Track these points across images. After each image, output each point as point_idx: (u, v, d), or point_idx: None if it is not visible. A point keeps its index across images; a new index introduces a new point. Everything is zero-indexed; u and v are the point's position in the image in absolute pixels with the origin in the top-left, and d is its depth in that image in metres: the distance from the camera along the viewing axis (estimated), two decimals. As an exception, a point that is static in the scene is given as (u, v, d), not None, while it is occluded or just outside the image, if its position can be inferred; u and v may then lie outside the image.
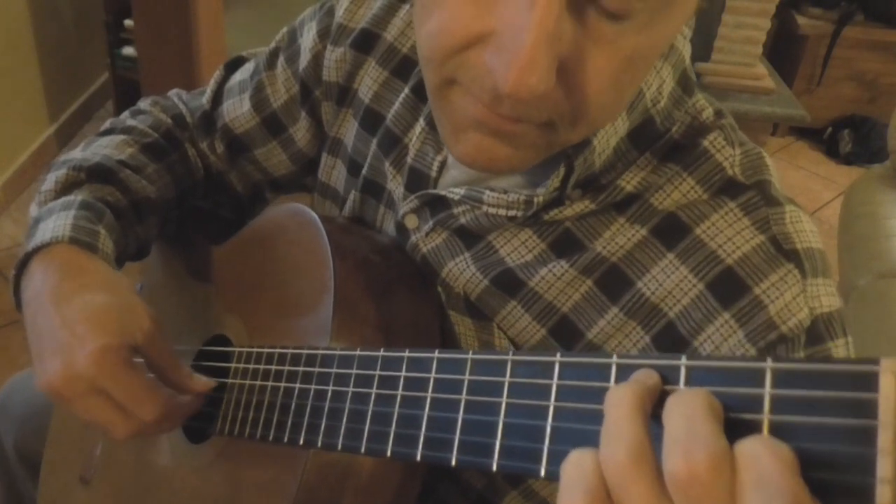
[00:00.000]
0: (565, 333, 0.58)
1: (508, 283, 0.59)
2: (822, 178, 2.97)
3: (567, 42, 0.43)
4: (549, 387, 0.39)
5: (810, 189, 2.87)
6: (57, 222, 0.63)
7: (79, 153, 0.74)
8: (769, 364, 0.32)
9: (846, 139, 3.06)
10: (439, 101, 0.50)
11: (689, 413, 0.31)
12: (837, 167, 3.05)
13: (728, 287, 0.53)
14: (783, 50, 3.03)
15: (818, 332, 0.52)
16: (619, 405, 0.33)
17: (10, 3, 2.19)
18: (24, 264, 0.63)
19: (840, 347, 0.53)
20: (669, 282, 0.54)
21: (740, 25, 1.88)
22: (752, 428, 0.31)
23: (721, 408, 0.32)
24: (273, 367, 0.59)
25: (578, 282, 0.57)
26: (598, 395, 0.37)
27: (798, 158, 3.09)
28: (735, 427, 0.32)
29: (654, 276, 0.55)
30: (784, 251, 0.53)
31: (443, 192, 0.61)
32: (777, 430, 0.31)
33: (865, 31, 2.97)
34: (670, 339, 0.55)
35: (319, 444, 0.52)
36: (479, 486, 0.65)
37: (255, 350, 0.61)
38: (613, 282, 0.56)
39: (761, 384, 0.32)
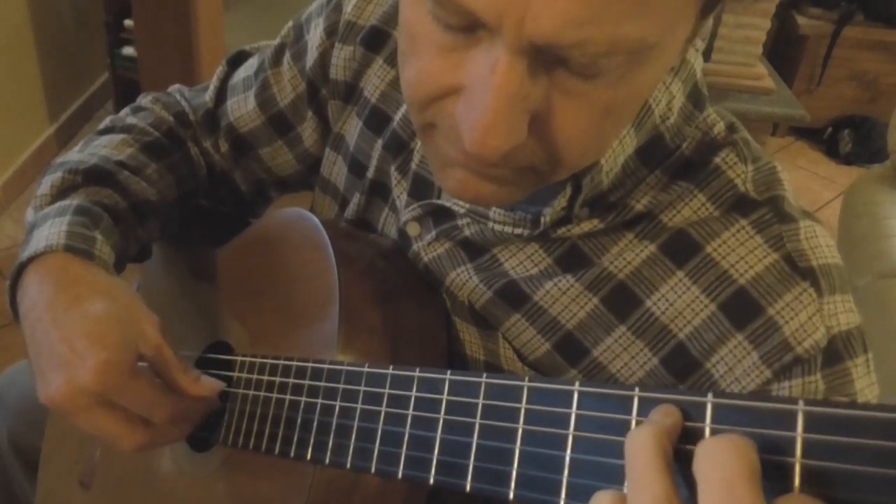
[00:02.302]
0: (570, 350, 0.58)
1: (512, 296, 0.59)
2: (822, 178, 2.96)
3: (536, 98, 0.42)
4: (567, 416, 0.39)
5: (810, 189, 2.87)
6: (51, 229, 0.62)
7: (76, 155, 0.72)
8: (801, 407, 0.31)
9: (846, 139, 3.06)
10: (424, 140, 0.50)
11: (728, 479, 0.30)
12: (837, 167, 3.04)
13: (741, 308, 0.52)
14: (783, 50, 3.03)
15: (836, 351, 0.52)
16: (641, 453, 0.33)
17: (10, 3, 2.19)
18: (18, 273, 0.61)
19: (860, 366, 0.52)
20: (680, 302, 0.54)
21: (740, 25, 1.88)
22: (783, 472, 0.31)
23: (759, 464, 0.31)
24: (277, 379, 0.58)
25: (584, 298, 0.56)
26: (620, 427, 0.36)
27: (798, 158, 3.08)
28: (765, 469, 0.31)
29: (663, 295, 0.54)
30: (799, 269, 0.52)
31: (447, 204, 0.60)
32: (809, 476, 0.30)
33: (865, 31, 2.97)
34: (681, 361, 0.54)
35: (327, 461, 0.51)
36: None
37: (258, 360, 0.61)
38: (621, 300, 0.55)
39: (793, 427, 0.31)
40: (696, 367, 0.54)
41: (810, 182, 2.93)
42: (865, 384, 0.53)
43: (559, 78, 0.42)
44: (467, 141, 0.42)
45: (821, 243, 0.54)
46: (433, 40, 0.44)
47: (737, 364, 0.52)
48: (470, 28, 0.41)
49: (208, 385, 0.60)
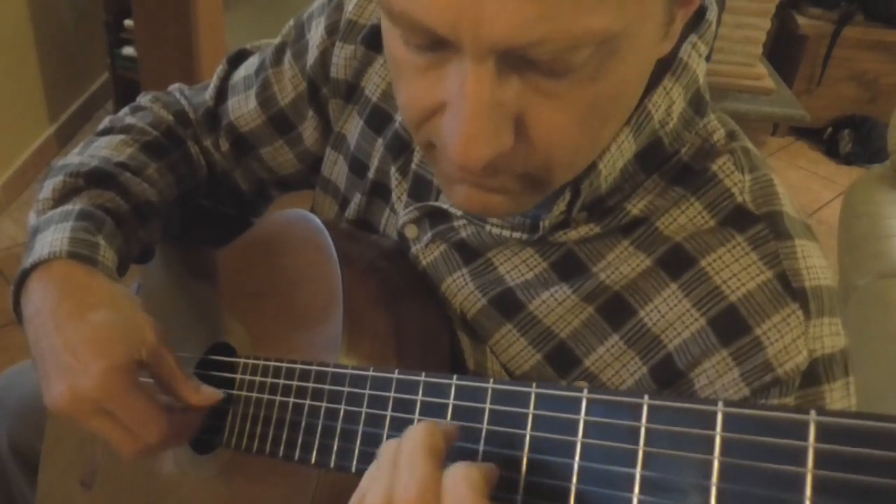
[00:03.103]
0: (561, 360, 0.58)
1: (507, 305, 0.59)
2: (822, 178, 2.96)
3: (513, 103, 0.43)
4: (576, 422, 0.38)
5: (810, 189, 2.87)
6: (55, 235, 0.62)
7: (76, 157, 0.72)
8: (812, 417, 0.31)
9: (846, 139, 3.05)
10: (427, 158, 0.51)
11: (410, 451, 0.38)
12: (837, 167, 3.04)
13: (729, 325, 0.52)
14: (783, 50, 3.03)
15: (815, 374, 0.52)
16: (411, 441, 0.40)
17: (10, 3, 2.18)
18: (22, 279, 0.62)
19: (836, 390, 0.53)
20: (671, 314, 0.54)
21: (740, 25, 1.88)
22: (795, 482, 0.31)
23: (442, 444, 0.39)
24: (281, 381, 0.58)
25: (579, 308, 0.57)
26: (629, 435, 0.36)
27: (798, 158, 3.08)
28: (777, 479, 0.31)
29: (656, 307, 0.55)
30: (791, 289, 0.52)
31: (444, 206, 0.60)
32: (821, 486, 0.30)
33: (865, 31, 2.97)
34: (667, 372, 0.54)
35: (332, 465, 0.51)
36: None
37: (261, 362, 0.61)
38: (616, 309, 0.56)
39: (804, 437, 0.31)
40: (680, 377, 0.54)
41: (810, 182, 2.93)
42: (842, 407, 0.53)
43: (532, 80, 0.42)
44: (451, 154, 0.43)
45: (815, 264, 0.54)
46: (410, 63, 0.45)
47: (717, 378, 0.52)
48: (436, 45, 0.42)
49: (208, 395, 0.61)
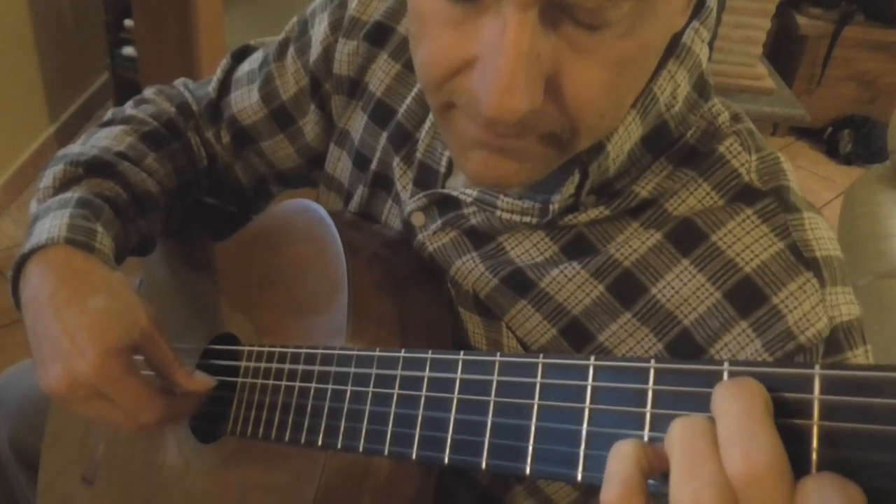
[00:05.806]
0: (576, 335, 0.58)
1: (519, 283, 0.59)
2: (822, 178, 2.96)
3: (548, 57, 0.43)
4: (583, 389, 0.39)
5: (810, 189, 2.87)
6: (53, 222, 0.63)
7: (77, 147, 0.73)
8: (817, 371, 0.31)
9: (846, 139, 3.06)
10: (442, 123, 0.51)
11: (744, 410, 0.31)
12: (837, 167, 3.04)
13: (746, 296, 0.53)
14: (783, 50, 3.03)
15: (837, 341, 0.52)
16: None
17: (10, 3, 2.19)
18: (21, 265, 0.63)
19: (859, 357, 0.53)
20: (686, 289, 0.54)
21: (740, 25, 1.88)
22: (801, 435, 0.31)
23: (770, 401, 0.32)
24: (286, 366, 0.58)
25: (590, 285, 0.57)
26: (636, 399, 0.36)
27: (798, 158, 3.08)
28: (782, 434, 0.31)
29: (668, 283, 0.55)
30: (804, 259, 0.52)
31: (454, 193, 0.60)
32: (827, 438, 0.30)
33: (865, 31, 2.97)
34: (685, 347, 0.54)
35: (339, 446, 0.52)
36: (485, 481, 0.65)
37: (266, 349, 0.61)
38: (626, 288, 0.56)
39: (810, 391, 0.31)
40: (700, 352, 0.54)
41: (810, 182, 2.93)
42: None
43: (568, 33, 0.43)
44: (485, 105, 0.43)
45: (824, 235, 0.54)
46: (443, 16, 0.45)
47: (740, 351, 0.53)
48: None
49: (201, 381, 0.62)
